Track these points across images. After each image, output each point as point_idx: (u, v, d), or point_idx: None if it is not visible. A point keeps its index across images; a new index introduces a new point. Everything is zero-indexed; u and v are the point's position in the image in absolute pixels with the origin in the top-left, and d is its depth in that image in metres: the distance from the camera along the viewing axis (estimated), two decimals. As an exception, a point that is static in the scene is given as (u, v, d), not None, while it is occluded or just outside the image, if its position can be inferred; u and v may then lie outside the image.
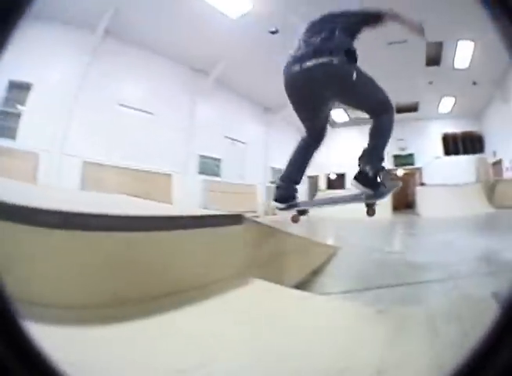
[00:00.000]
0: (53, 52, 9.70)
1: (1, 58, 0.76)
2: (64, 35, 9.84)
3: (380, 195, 3.60)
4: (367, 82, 3.13)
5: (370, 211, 4.03)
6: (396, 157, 19.71)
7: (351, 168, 12.80)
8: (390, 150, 19.33)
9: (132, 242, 1.61)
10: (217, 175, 14.04)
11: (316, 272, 3.99)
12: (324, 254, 4.59)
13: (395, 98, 11.49)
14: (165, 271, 1.71)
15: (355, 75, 2.88)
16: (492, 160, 17.49)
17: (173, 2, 9.92)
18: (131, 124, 11.11)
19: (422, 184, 16.69)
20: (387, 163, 14.69)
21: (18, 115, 9.39)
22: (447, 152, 19.03)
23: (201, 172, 13.29)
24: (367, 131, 11.31)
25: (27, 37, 8.12)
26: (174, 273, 1.75)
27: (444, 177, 16.99)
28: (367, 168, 3.45)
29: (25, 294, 1.27)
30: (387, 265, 5.05)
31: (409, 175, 21.30)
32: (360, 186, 3.48)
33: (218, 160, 14.45)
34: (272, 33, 10.72)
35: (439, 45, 12.05)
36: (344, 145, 20.50)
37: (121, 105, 10.87)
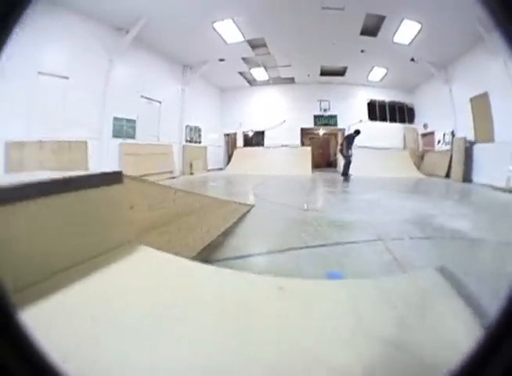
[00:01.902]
0: None
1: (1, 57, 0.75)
2: None
3: None
4: None
5: None
6: (317, 117, 20.21)
7: (271, 125, 13.19)
8: (312, 110, 20.05)
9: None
10: (132, 137, 13.43)
11: (225, 233, 3.92)
12: (235, 213, 4.43)
13: (322, 61, 12.79)
14: (33, 250, 1.43)
15: None
16: (422, 131, 18.76)
17: None
18: (48, 92, 10.25)
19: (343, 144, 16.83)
20: (308, 122, 17.47)
21: None
22: (372, 117, 19.78)
23: (116, 136, 12.62)
24: (286, 91, 16.66)
25: None
26: (42, 251, 1.48)
27: (368, 140, 17.74)
28: None
29: None
30: (301, 223, 5.18)
31: (330, 135, 21.97)
32: None
33: (133, 121, 13.72)
34: None
35: (380, 19, 11.93)
36: (263, 103, 20.95)
37: (40, 73, 9.89)
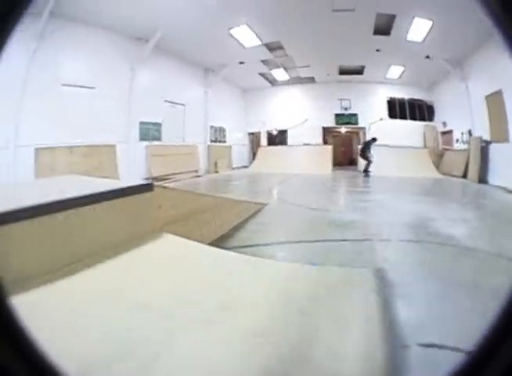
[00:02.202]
0: None
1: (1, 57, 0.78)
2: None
3: None
4: None
5: None
6: (339, 115, 20.48)
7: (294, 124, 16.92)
8: (332, 109, 20.32)
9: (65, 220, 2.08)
10: (158, 139, 14.27)
11: (236, 228, 4.60)
12: (246, 212, 5.12)
13: (339, 61, 13.82)
14: (88, 238, 2.22)
15: None
16: (441, 129, 18.47)
17: None
18: (75, 101, 11.14)
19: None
20: (330, 121, 18.19)
21: None
22: (392, 115, 19.80)
23: (143, 139, 13.45)
24: (307, 90, 16.76)
25: None
26: (99, 236, 2.27)
27: (389, 138, 17.92)
28: None
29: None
30: (304, 221, 5.74)
31: (352, 133, 22.26)
32: None
33: (159, 124, 14.54)
34: None
35: (391, 18, 12.04)
36: (285, 103, 21.35)
37: (64, 85, 10.73)
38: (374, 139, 15.52)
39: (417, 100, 19.70)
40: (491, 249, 4.10)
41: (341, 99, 20.08)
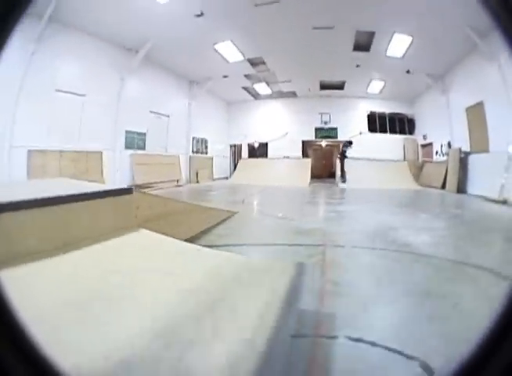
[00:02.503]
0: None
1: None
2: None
3: None
4: None
5: None
6: (318, 129, 21.22)
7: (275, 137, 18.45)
8: (313, 123, 21.04)
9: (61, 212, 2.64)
10: (142, 148, 14.81)
11: (205, 232, 5.10)
12: (216, 218, 5.72)
13: (320, 76, 14.60)
14: (80, 227, 2.77)
15: None
16: (422, 142, 19.08)
17: None
18: (66, 107, 11.70)
19: (343, 155, 17.98)
20: (310, 134, 18.98)
21: None
22: (372, 129, 20.42)
23: (128, 147, 13.95)
24: (288, 104, 18.56)
25: None
26: (87, 227, 2.83)
27: (368, 152, 18.65)
28: None
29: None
30: (269, 228, 6.20)
31: (333, 146, 22.90)
32: None
33: (144, 134, 15.12)
34: (198, 16, 11.43)
35: (371, 34, 12.57)
36: (267, 116, 22.11)
37: (58, 90, 11.31)
38: (350, 143, 16.57)
39: (398, 114, 20.31)
40: (455, 257, 4.18)
41: (322, 114, 20.81)
